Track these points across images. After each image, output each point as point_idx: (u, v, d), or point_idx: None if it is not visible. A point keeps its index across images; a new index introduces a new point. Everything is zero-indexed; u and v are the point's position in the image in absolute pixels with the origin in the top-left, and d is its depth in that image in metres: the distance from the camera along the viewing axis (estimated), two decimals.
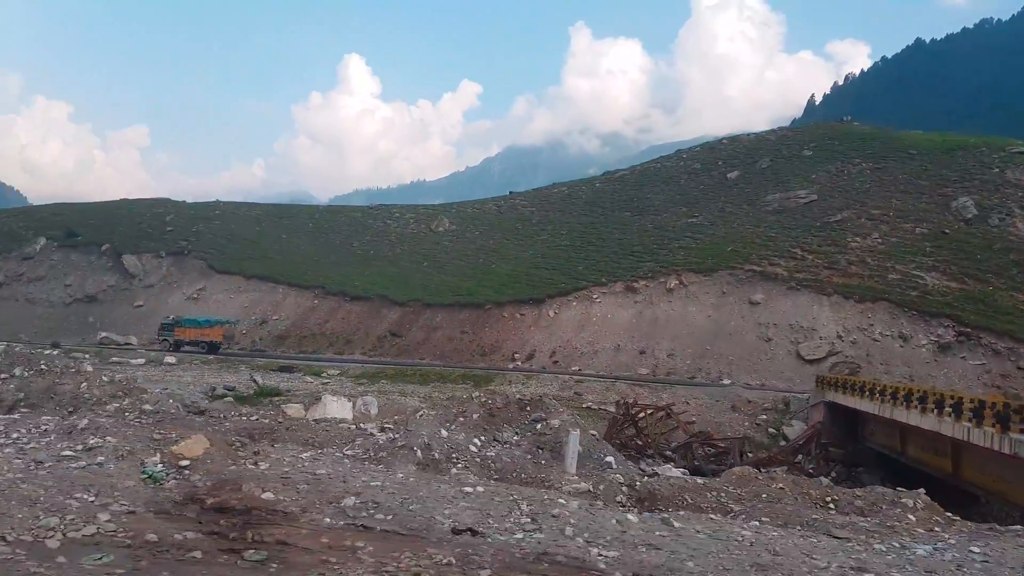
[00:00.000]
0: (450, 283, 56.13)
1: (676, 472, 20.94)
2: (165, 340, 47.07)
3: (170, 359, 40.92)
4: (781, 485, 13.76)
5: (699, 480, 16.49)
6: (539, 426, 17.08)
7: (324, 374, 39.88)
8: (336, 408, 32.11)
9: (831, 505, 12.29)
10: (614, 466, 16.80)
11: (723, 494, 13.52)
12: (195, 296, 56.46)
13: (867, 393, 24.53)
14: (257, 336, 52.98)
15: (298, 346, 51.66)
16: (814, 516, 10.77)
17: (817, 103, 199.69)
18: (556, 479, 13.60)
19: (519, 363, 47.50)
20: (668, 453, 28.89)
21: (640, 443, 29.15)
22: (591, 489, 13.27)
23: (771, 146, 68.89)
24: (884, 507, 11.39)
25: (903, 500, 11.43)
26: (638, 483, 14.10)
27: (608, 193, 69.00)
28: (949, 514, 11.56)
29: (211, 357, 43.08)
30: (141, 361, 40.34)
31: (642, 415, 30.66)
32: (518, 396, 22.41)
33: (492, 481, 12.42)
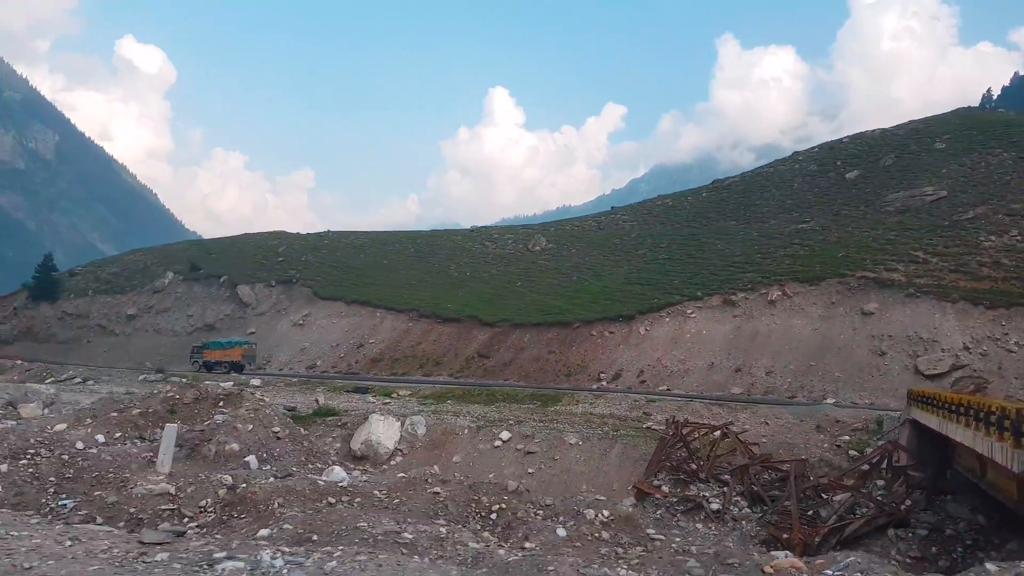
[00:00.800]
0: (540, 302, 55.03)
1: (342, 474, 18.71)
2: (195, 362, 50.06)
3: (255, 382, 42.44)
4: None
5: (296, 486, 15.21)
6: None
7: (395, 394, 39.87)
8: (383, 428, 31.89)
9: None
10: (252, 466, 16.42)
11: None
12: (301, 322, 58.84)
13: (940, 407, 20.86)
14: (353, 359, 54.22)
15: (390, 368, 52.32)
16: None
17: (995, 97, 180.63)
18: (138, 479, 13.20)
19: (604, 383, 45.48)
20: (725, 477, 26.10)
21: (694, 467, 26.54)
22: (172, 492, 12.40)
23: (897, 141, 62.66)
24: None
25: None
26: (238, 488, 13.27)
27: (714, 202, 65.45)
28: None
29: (294, 380, 44.40)
30: (229, 384, 42.10)
31: (695, 435, 27.97)
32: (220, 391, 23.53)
33: None
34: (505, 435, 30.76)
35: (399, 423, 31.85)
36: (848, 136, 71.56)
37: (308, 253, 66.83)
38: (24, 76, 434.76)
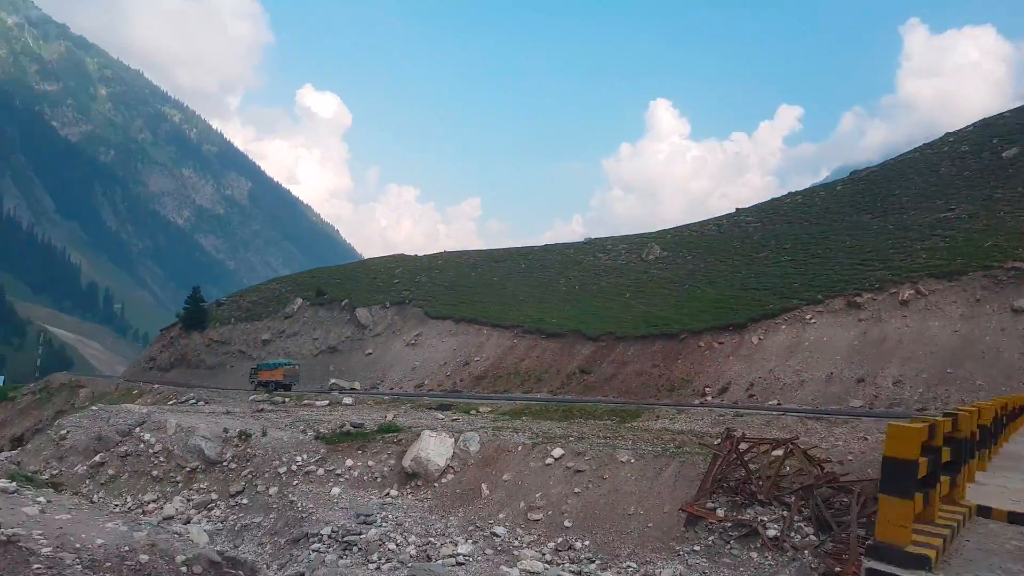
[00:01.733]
0: (648, 314, 52.10)
1: None
2: (252, 381, 52.48)
3: (347, 400, 43.13)
4: None
5: None
6: None
7: (474, 411, 38.87)
8: (434, 444, 30.89)
9: None
10: None
11: None
12: (413, 342, 59.65)
13: None
14: (459, 377, 54.01)
15: (493, 386, 51.51)
16: None
17: None
18: None
19: (709, 397, 41.95)
20: (787, 499, 22.53)
21: (754, 488, 23.18)
22: None
23: None
24: None
25: None
26: None
27: (849, 196, 59.19)
28: None
29: (385, 397, 44.66)
30: (325, 403, 43.09)
31: (755, 451, 24.52)
32: None
33: None
34: (557, 452, 28.69)
35: (452, 439, 30.76)
36: (1009, 110, 62.18)
37: (422, 274, 68.02)
38: (219, 130, 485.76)
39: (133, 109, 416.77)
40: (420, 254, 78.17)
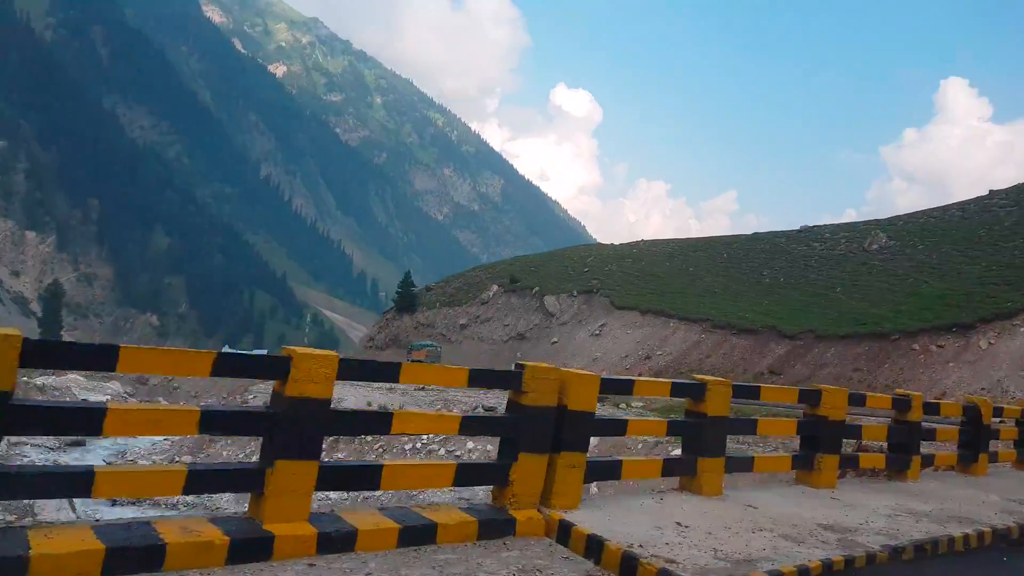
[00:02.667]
0: (857, 310, 44.98)
1: None
2: (408, 360, 54.95)
3: None
4: None
5: None
6: None
7: (623, 405, 35.94)
8: None
9: None
10: None
11: None
12: (597, 332, 57.37)
13: None
14: (638, 371, 50.83)
15: None
16: None
17: None
18: None
19: None
20: None
21: None
22: None
23: None
24: None
25: None
26: None
27: None
28: None
29: None
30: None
31: None
32: None
33: None
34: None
35: None
36: None
37: (613, 263, 65.21)
38: (477, 132, 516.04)
39: (403, 115, 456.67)
40: (617, 243, 75.52)
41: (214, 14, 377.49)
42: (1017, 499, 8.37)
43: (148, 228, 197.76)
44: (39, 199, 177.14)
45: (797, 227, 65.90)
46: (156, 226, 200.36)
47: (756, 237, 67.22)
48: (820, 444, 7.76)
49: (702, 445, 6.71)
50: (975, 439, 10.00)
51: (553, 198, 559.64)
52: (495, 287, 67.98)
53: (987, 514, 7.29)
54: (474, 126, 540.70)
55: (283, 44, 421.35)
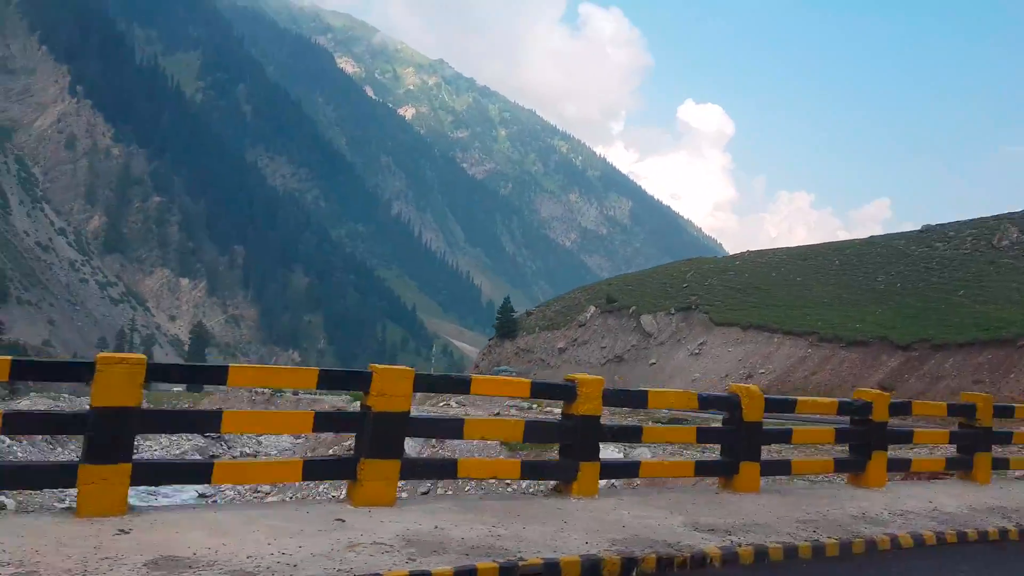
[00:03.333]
0: (983, 315, 39.70)
1: None
2: None
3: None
4: None
5: None
6: None
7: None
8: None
9: None
10: None
11: None
12: (696, 352, 54.05)
13: None
14: None
15: None
16: None
17: None
18: None
19: None
20: None
21: None
22: None
23: None
24: None
25: None
26: None
27: None
28: None
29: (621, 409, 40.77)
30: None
31: None
32: None
33: None
34: None
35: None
36: None
37: (714, 276, 61.33)
38: (602, 155, 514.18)
39: (527, 145, 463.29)
40: (719, 256, 71.30)
41: (347, 65, 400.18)
42: None
43: (288, 269, 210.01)
44: (191, 248, 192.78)
45: (919, 227, 59.66)
46: (296, 267, 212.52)
47: (872, 241, 61.39)
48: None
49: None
50: None
51: (685, 217, 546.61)
52: (592, 308, 66.03)
53: None
54: (599, 150, 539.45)
55: (411, 87, 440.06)
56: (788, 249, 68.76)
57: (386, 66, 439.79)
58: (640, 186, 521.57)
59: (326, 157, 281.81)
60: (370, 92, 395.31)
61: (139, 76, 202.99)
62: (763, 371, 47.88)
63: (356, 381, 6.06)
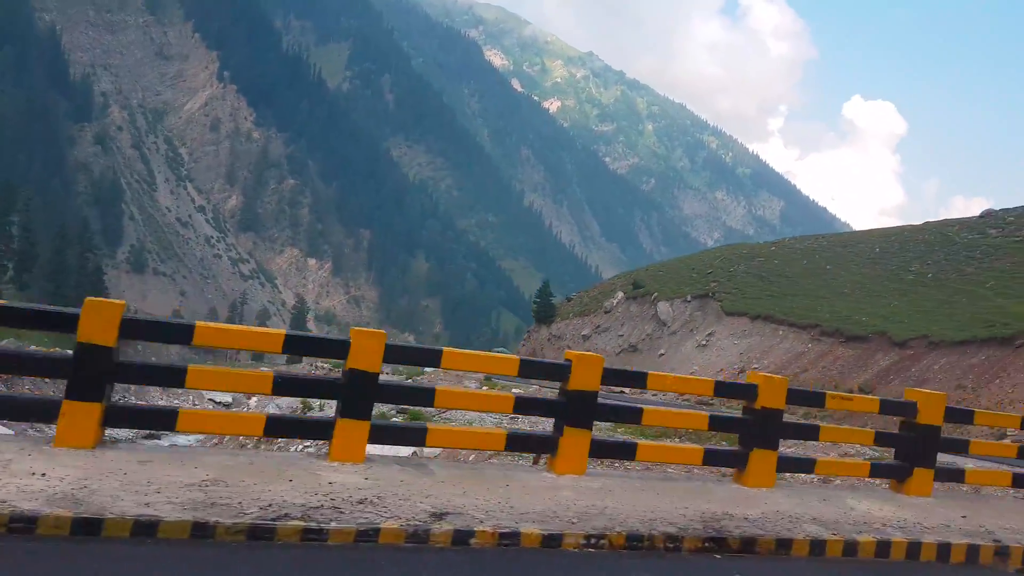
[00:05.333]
0: (1000, 310, 32.26)
1: None
2: None
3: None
4: None
5: None
6: None
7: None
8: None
9: None
10: None
11: None
12: (703, 343, 48.34)
13: None
14: None
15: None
16: None
17: None
18: None
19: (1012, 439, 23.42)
20: None
21: None
22: None
23: None
24: None
25: None
26: None
27: None
28: None
29: None
30: None
31: None
32: None
33: None
34: None
35: None
36: None
37: (742, 263, 54.48)
38: (755, 152, 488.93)
39: (674, 140, 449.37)
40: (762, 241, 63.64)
41: (495, 57, 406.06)
42: None
43: (411, 254, 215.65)
44: (320, 230, 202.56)
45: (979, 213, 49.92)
46: (418, 252, 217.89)
47: (925, 228, 52.21)
48: None
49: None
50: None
51: (843, 220, 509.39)
52: (619, 295, 61.33)
53: None
54: (752, 147, 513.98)
55: (559, 80, 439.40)
56: (830, 236, 60.41)
57: (535, 58, 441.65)
58: (795, 186, 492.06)
59: (463, 148, 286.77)
60: (517, 84, 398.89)
61: (283, 64, 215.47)
62: (757, 366, 41.89)
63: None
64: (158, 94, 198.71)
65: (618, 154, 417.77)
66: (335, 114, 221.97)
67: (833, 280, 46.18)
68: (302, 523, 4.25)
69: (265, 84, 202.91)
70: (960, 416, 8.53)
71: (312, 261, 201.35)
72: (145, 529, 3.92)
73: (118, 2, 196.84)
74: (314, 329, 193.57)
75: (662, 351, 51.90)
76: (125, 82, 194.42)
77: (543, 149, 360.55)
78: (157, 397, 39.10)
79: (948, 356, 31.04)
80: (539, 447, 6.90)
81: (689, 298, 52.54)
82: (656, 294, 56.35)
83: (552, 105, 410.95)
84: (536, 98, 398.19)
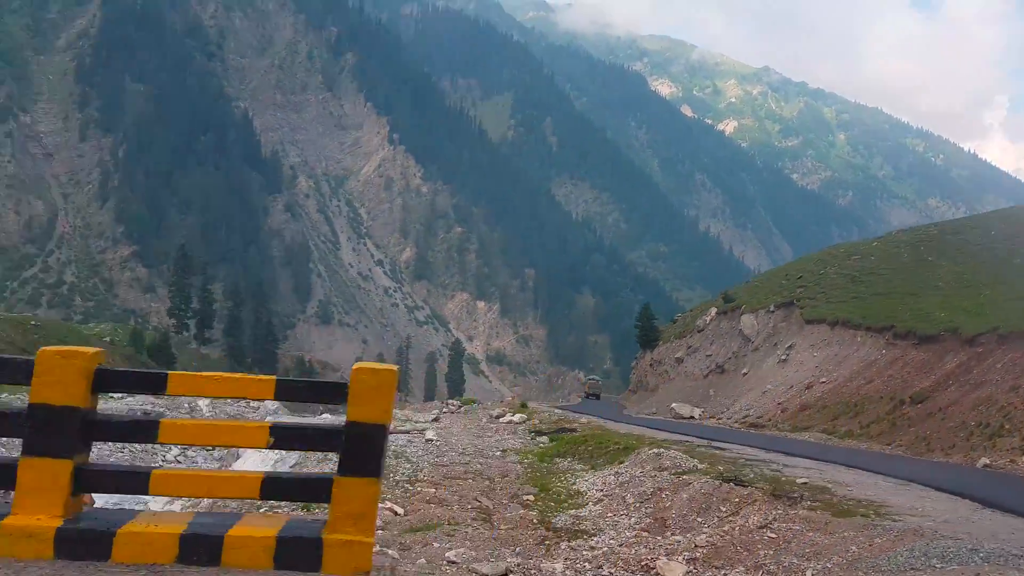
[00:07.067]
0: None
1: None
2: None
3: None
4: None
5: None
6: None
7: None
8: None
9: None
10: None
11: None
12: (783, 357, 41.82)
13: None
14: (781, 409, 35.69)
15: (807, 421, 32.22)
16: None
17: None
18: None
19: None
20: None
21: None
22: None
23: None
24: None
25: None
26: None
27: None
28: None
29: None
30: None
31: None
32: None
33: None
34: None
35: None
36: None
37: (834, 264, 46.37)
38: (972, 151, 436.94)
39: (871, 147, 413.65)
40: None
41: (662, 87, 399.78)
42: None
43: (576, 291, 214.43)
44: (487, 273, 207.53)
45: None
46: (583, 288, 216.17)
47: None
48: None
49: None
50: None
51: None
52: (712, 312, 55.59)
53: None
54: (967, 145, 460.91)
55: (733, 100, 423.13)
56: (946, 223, 50.16)
57: (705, 81, 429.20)
58: None
59: (629, 180, 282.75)
60: (687, 110, 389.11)
61: (447, 121, 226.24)
62: (824, 380, 35.61)
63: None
64: (338, 162, 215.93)
65: (807, 169, 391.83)
66: (496, 162, 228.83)
67: (929, 273, 38.25)
68: None
69: (431, 142, 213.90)
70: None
71: (481, 303, 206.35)
72: None
73: (300, 84, 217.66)
74: (486, 371, 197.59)
75: (745, 370, 45.92)
76: (309, 154, 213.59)
77: (719, 172, 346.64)
78: None
79: (1013, 352, 24.05)
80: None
81: (772, 308, 46.19)
82: (743, 306, 50.30)
83: (727, 126, 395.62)
84: (709, 121, 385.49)
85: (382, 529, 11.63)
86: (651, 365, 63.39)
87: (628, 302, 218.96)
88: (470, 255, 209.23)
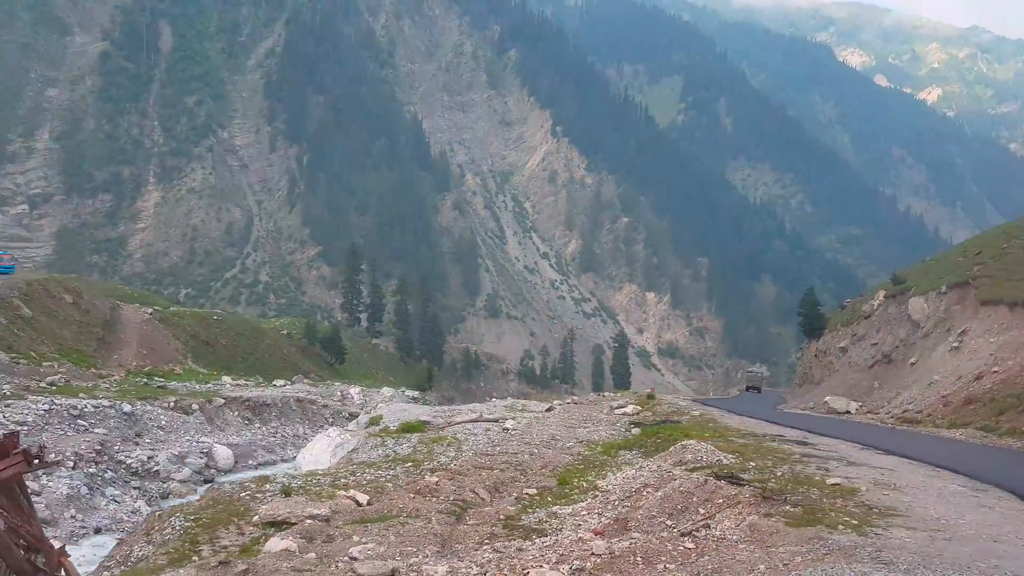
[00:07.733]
0: None
1: None
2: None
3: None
4: None
5: None
6: None
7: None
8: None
9: None
10: None
11: None
12: (956, 344, 36.03)
13: None
14: (944, 403, 30.71)
15: (968, 417, 27.44)
16: None
17: None
18: None
19: None
20: None
21: None
22: None
23: None
24: None
25: None
26: None
27: None
28: None
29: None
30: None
31: None
32: None
33: None
34: None
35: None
36: None
37: (1020, 237, 38.54)
38: None
39: None
40: None
41: (853, 56, 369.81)
42: None
43: (755, 280, 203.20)
44: (655, 264, 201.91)
45: None
46: (763, 277, 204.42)
47: None
48: None
49: None
50: None
51: None
52: (880, 295, 49.49)
53: None
54: None
55: (936, 65, 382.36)
56: None
57: (902, 48, 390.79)
58: None
59: (815, 160, 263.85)
60: (882, 80, 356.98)
61: (611, 109, 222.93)
62: (996, 369, 30.24)
63: None
64: (504, 158, 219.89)
65: None
66: (664, 148, 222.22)
67: None
68: None
69: (594, 132, 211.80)
70: None
71: (650, 295, 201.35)
72: None
73: (466, 84, 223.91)
74: (657, 364, 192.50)
75: (913, 359, 40.32)
76: (476, 152, 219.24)
77: (921, 146, 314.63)
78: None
79: None
80: None
81: (944, 289, 40.15)
82: (913, 288, 44.29)
83: (930, 95, 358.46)
84: (908, 91, 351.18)
85: (325, 520, 10.59)
86: (816, 356, 58.01)
87: (816, 291, 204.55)
88: (637, 245, 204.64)
